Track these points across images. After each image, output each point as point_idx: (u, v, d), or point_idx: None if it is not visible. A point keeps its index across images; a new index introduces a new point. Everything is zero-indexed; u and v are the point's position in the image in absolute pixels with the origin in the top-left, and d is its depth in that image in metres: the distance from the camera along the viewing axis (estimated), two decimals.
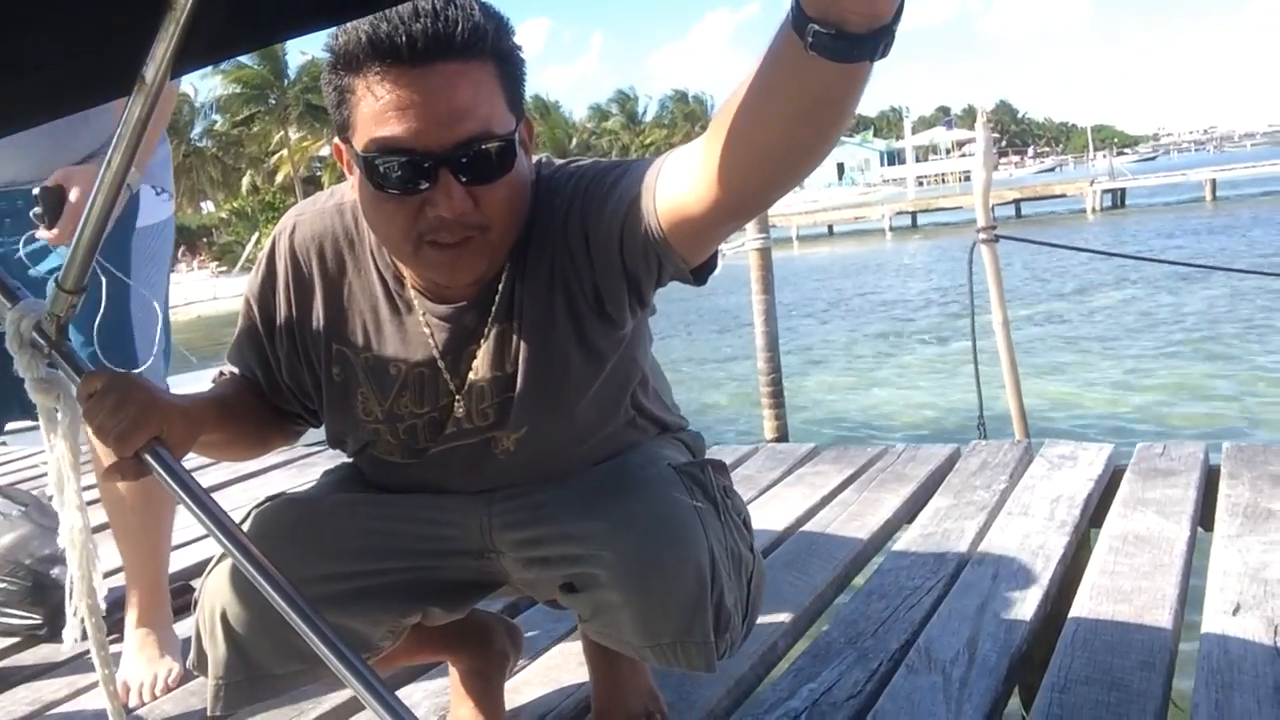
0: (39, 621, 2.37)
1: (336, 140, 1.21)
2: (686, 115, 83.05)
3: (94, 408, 1.17)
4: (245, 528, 1.35)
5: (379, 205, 1.16)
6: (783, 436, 5.98)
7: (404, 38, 1.06)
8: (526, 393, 1.28)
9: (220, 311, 31.83)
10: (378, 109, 1.10)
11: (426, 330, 1.29)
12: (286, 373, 1.38)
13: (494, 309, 1.26)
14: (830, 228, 40.26)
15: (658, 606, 1.21)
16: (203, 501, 1.15)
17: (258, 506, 1.39)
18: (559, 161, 1.30)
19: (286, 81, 53.35)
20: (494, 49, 1.12)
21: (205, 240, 59.22)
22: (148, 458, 1.17)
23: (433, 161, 1.10)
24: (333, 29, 1.11)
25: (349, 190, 1.29)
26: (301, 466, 3.92)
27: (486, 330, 1.27)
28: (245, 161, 54.57)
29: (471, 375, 1.29)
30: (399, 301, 1.31)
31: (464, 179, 1.12)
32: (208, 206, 62.10)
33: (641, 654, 1.29)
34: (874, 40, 0.81)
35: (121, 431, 1.15)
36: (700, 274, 1.19)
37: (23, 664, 2.26)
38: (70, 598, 1.30)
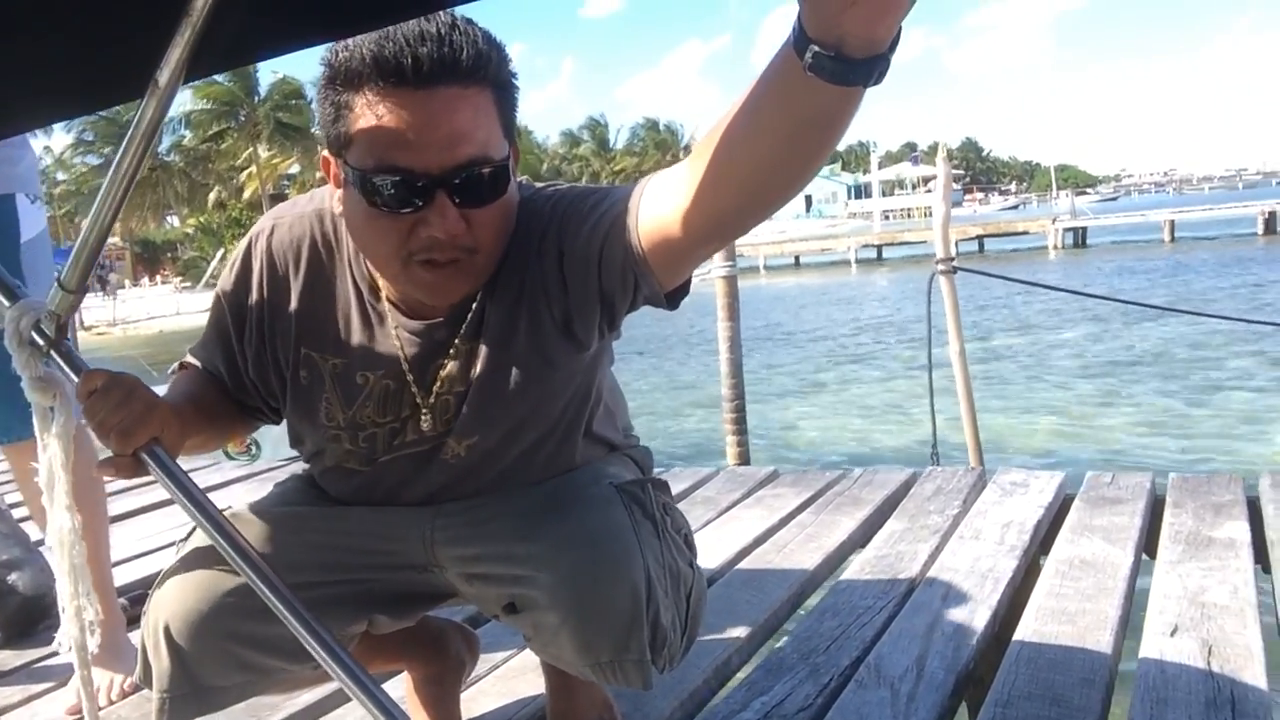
0: None
1: (325, 153, 1.22)
2: (658, 144, 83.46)
3: (96, 404, 1.18)
4: (189, 542, 1.36)
5: (371, 222, 1.17)
6: (745, 460, 6.04)
7: (409, 60, 1.08)
8: (479, 402, 1.30)
9: (183, 327, 31.46)
10: (378, 128, 1.11)
11: (397, 343, 1.31)
12: (253, 370, 1.39)
13: (464, 326, 1.29)
14: (797, 258, 40.64)
15: (594, 626, 1.23)
16: (198, 501, 1.17)
17: None
18: (538, 185, 1.33)
19: (257, 99, 53.09)
20: (494, 76, 1.14)
21: (169, 255, 58.68)
22: (145, 456, 1.18)
23: (429, 182, 1.12)
24: (332, 44, 1.13)
25: (328, 197, 1.31)
26: (263, 480, 3.91)
27: (456, 346, 1.30)
28: (213, 178, 54.13)
29: (437, 388, 1.31)
30: (372, 312, 1.32)
31: (458, 201, 1.14)
32: (172, 221, 61.56)
33: (582, 672, 1.30)
34: (870, 65, 0.85)
35: (124, 429, 1.17)
36: (674, 298, 1.22)
37: None
38: (61, 600, 1.29)
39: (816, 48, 0.84)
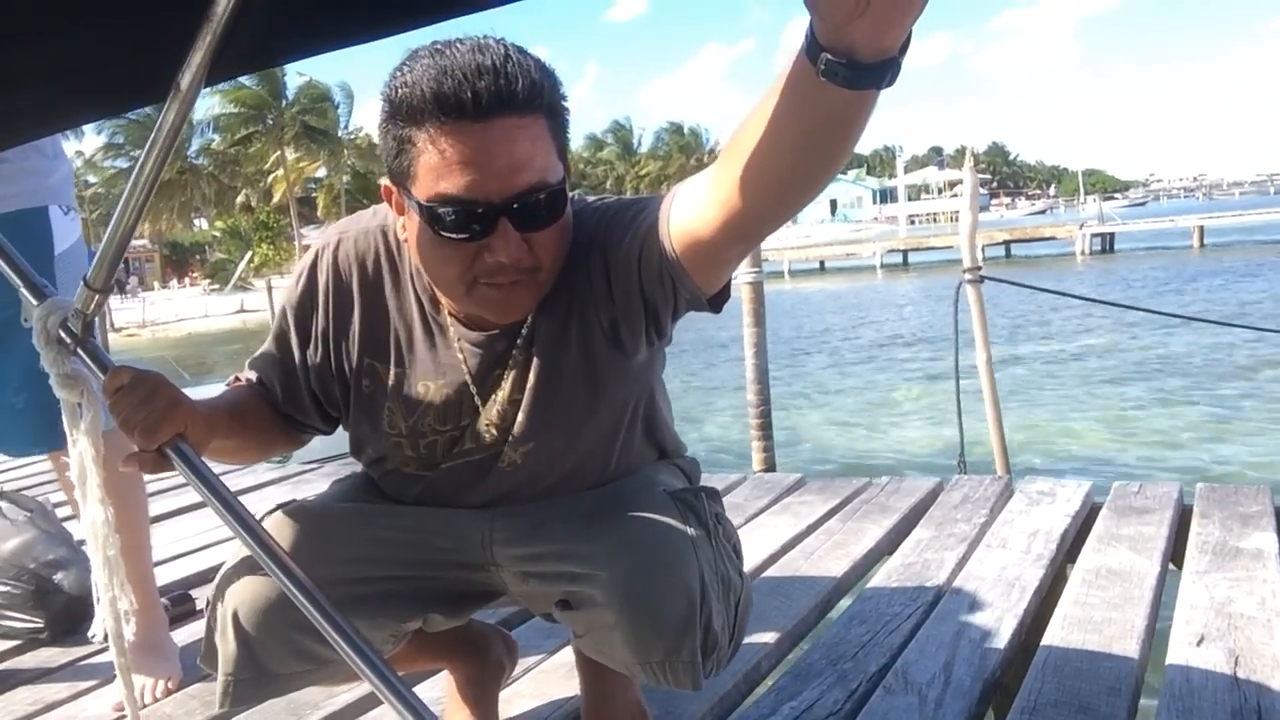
0: (40, 625, 2.42)
1: (387, 182, 1.27)
2: (681, 147, 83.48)
3: (121, 401, 1.22)
4: None
5: (436, 250, 1.22)
6: (770, 467, 6.05)
7: (469, 94, 1.12)
8: (535, 410, 1.36)
9: (211, 329, 31.83)
10: (440, 161, 1.15)
11: (460, 355, 1.36)
12: (315, 381, 1.44)
13: (520, 338, 1.34)
14: (822, 263, 40.56)
15: (649, 627, 1.27)
16: (225, 498, 1.20)
17: (269, 513, 1.45)
18: (589, 199, 1.38)
19: (284, 102, 53.55)
20: (548, 103, 1.18)
21: (197, 257, 59.23)
22: (170, 453, 1.22)
23: (492, 210, 1.16)
24: (391, 80, 1.18)
25: (391, 212, 1.36)
26: (296, 483, 3.98)
27: (514, 357, 1.35)
28: (241, 180, 54.65)
29: (496, 398, 1.37)
30: (434, 325, 1.38)
31: (519, 225, 1.18)
32: (200, 224, 62.17)
33: (632, 670, 1.35)
34: (881, 70, 0.88)
35: (148, 425, 1.21)
36: (716, 302, 1.26)
37: (23, 667, 2.31)
38: (96, 592, 1.35)
39: (829, 55, 0.87)
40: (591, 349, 1.33)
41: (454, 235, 1.19)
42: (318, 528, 1.42)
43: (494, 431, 1.38)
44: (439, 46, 1.17)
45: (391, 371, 1.40)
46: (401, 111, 1.17)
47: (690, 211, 1.15)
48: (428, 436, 1.40)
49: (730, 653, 1.38)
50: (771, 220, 1.12)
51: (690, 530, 1.31)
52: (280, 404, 1.48)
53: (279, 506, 1.47)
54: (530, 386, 1.35)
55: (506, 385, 1.36)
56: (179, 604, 2.55)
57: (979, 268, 3.76)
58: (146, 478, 2.13)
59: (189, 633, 2.43)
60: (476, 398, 1.37)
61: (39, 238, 1.99)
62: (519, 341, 1.34)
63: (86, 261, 2.16)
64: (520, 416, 1.36)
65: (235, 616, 1.34)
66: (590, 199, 1.37)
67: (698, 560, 1.28)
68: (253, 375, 1.49)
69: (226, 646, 1.36)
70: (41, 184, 2.02)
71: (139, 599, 2.17)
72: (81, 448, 1.30)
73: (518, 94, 1.14)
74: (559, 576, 1.35)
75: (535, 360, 1.34)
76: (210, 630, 1.39)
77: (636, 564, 1.27)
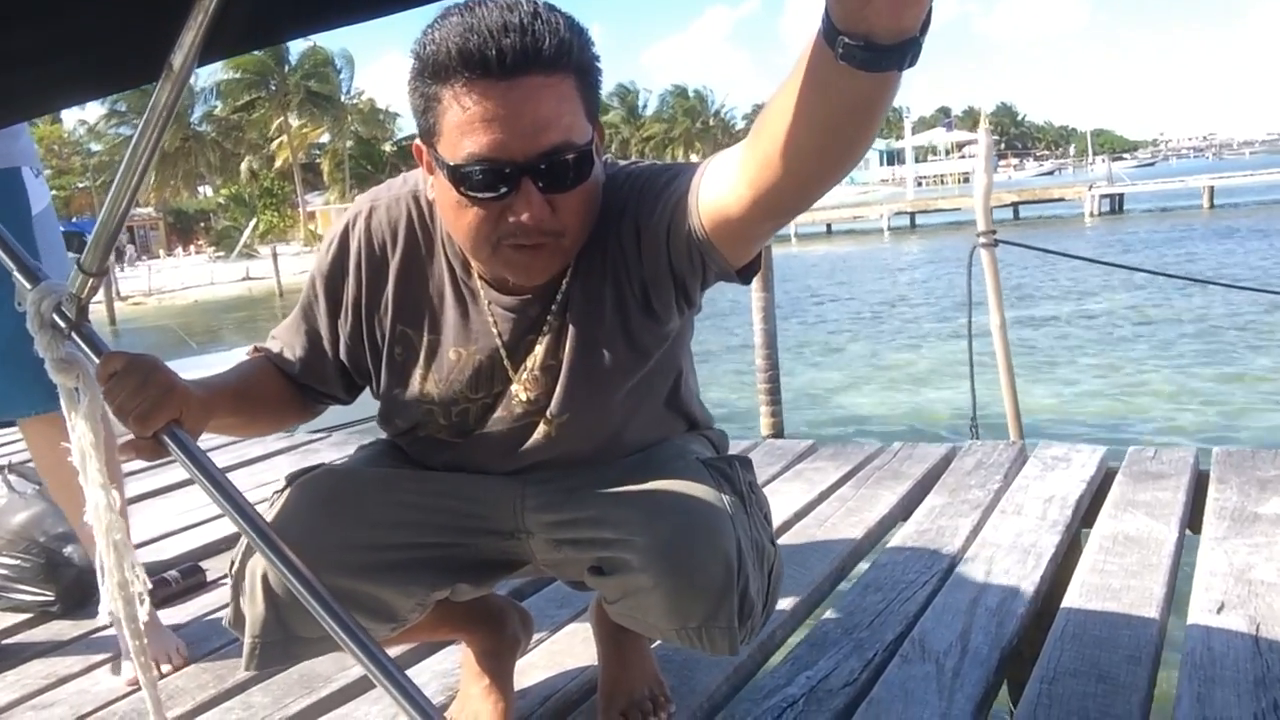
0: (51, 598, 2.42)
1: (418, 141, 1.25)
2: (686, 110, 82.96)
3: (115, 388, 1.20)
4: (285, 496, 1.40)
5: (461, 209, 1.20)
6: (779, 432, 6.04)
7: (494, 51, 1.10)
8: (571, 380, 1.34)
9: (217, 296, 31.86)
10: (464, 119, 1.14)
11: (491, 320, 1.35)
12: (345, 351, 1.43)
13: (555, 303, 1.33)
14: (829, 226, 40.34)
15: (687, 592, 1.27)
16: (219, 482, 1.19)
17: (296, 477, 1.43)
18: (621, 163, 1.36)
19: (287, 68, 53.28)
20: (576, 62, 1.16)
21: (202, 225, 59.19)
22: (166, 439, 1.21)
23: (515, 170, 1.15)
24: (420, 37, 1.15)
25: (421, 178, 1.35)
26: (305, 452, 3.97)
27: (548, 323, 1.34)
28: (245, 147, 54.50)
29: (529, 364, 1.36)
30: (465, 290, 1.36)
31: (543, 186, 1.17)
32: (205, 191, 62.07)
33: (666, 636, 1.35)
34: (901, 51, 0.85)
35: (142, 412, 1.20)
36: (746, 273, 1.25)
37: (35, 640, 2.31)
38: (101, 574, 1.33)
39: (846, 39, 0.84)
40: (626, 316, 1.32)
41: (477, 194, 1.17)
42: (348, 492, 1.41)
43: (528, 398, 1.37)
44: (470, 4, 1.15)
45: (425, 339, 1.38)
46: (428, 68, 1.15)
47: (720, 189, 1.13)
48: (460, 404, 1.39)
49: (763, 619, 1.39)
50: (802, 199, 1.10)
51: (726, 497, 1.31)
52: (299, 374, 1.47)
53: (307, 470, 1.45)
54: (567, 354, 1.34)
55: (540, 352, 1.35)
56: (189, 575, 2.54)
57: (994, 231, 3.71)
58: None
59: (201, 604, 2.43)
60: (508, 364, 1.36)
61: (14, 198, 1.97)
62: (554, 307, 1.33)
63: (58, 225, 2.14)
64: (557, 385, 1.35)
65: (264, 579, 1.34)
66: (622, 164, 1.35)
67: (734, 527, 1.28)
68: (274, 345, 1.48)
69: (255, 610, 1.35)
70: (13, 145, 2.00)
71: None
72: (80, 432, 1.28)
73: (544, 52, 1.12)
74: (593, 543, 1.34)
75: (571, 327, 1.33)
76: (237, 594, 1.39)
77: (675, 530, 1.26)
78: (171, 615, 2.36)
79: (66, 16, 0.92)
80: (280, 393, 1.48)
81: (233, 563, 1.41)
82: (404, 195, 1.40)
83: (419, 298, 1.38)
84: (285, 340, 1.48)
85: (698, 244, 1.19)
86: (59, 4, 0.90)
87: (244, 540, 1.37)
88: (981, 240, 3.72)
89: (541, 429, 1.38)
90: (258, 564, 1.34)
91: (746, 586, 1.29)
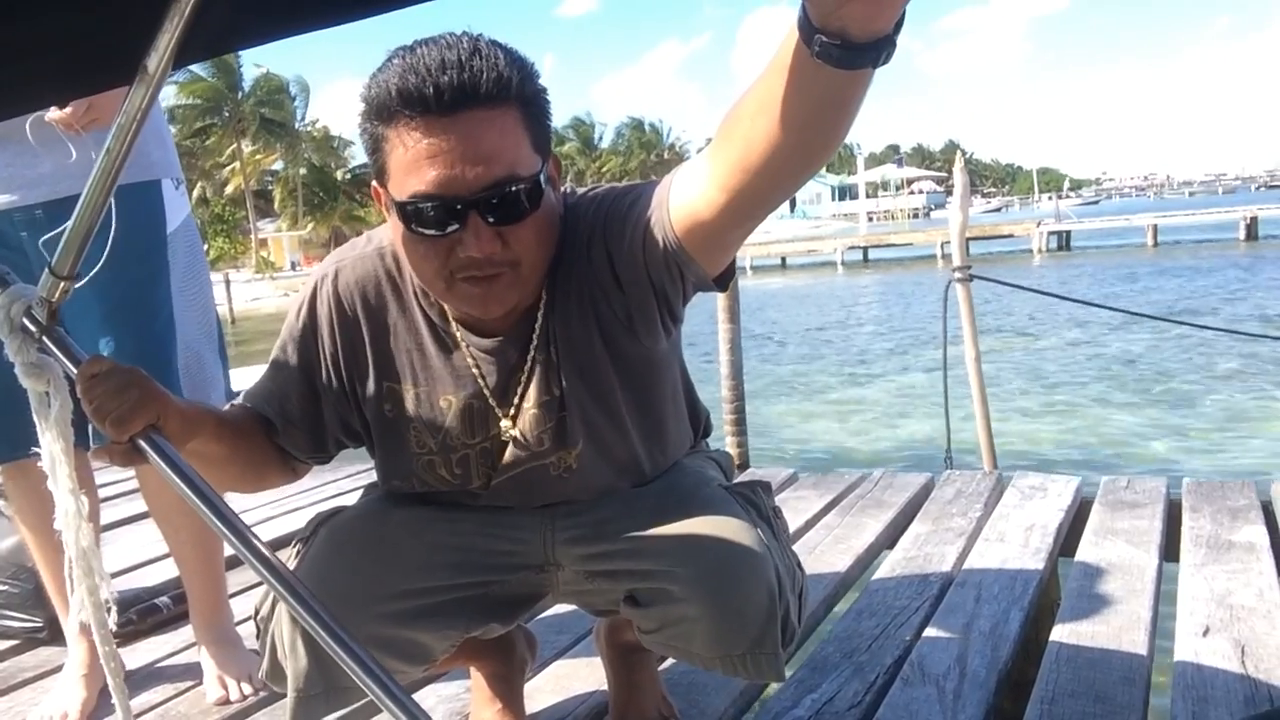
0: (39, 625, 2.38)
1: (374, 184, 1.26)
2: (643, 143, 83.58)
3: (93, 388, 1.16)
4: (315, 544, 1.39)
5: (413, 245, 1.21)
6: (745, 463, 6.08)
7: (432, 89, 1.11)
8: (576, 410, 1.35)
9: None
10: (409, 157, 1.15)
11: (472, 362, 1.35)
12: (332, 414, 1.41)
13: (534, 340, 1.33)
14: (783, 259, 40.72)
15: (735, 621, 1.29)
16: (200, 489, 1.12)
17: (323, 520, 1.43)
18: (581, 190, 1.37)
19: (241, 94, 52.90)
20: (518, 94, 1.16)
21: None
22: (143, 444, 1.16)
23: (461, 205, 1.15)
24: (367, 80, 1.17)
25: (386, 234, 1.35)
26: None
27: (529, 360, 1.34)
28: (197, 174, 53.84)
29: (524, 404, 1.35)
30: (444, 338, 1.36)
31: (491, 220, 1.17)
32: None
33: (709, 664, 1.36)
34: (875, 49, 0.88)
35: (120, 415, 1.15)
36: (721, 281, 1.28)
37: (23, 666, 2.28)
38: (70, 583, 1.25)
39: (823, 37, 0.87)
40: (614, 340, 1.33)
41: (426, 230, 1.18)
42: (381, 537, 1.40)
43: (534, 439, 1.36)
44: (412, 45, 1.16)
45: (410, 391, 1.38)
46: (373, 110, 1.17)
47: (690, 195, 1.16)
48: (458, 451, 1.38)
49: (797, 642, 1.41)
50: (773, 199, 1.13)
51: (759, 525, 1.34)
52: (280, 434, 1.42)
53: (331, 513, 1.45)
54: (565, 385, 1.34)
55: (532, 391, 1.34)
56: (180, 602, 2.50)
57: (969, 266, 3.81)
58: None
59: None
60: (495, 405, 1.36)
61: (152, 214, 1.90)
62: (535, 342, 1.33)
63: (201, 242, 2.07)
64: (567, 416, 1.35)
65: (304, 631, 1.32)
66: (584, 190, 1.36)
67: (770, 554, 1.31)
68: (250, 403, 1.43)
69: (297, 663, 1.34)
70: (154, 157, 1.92)
71: (215, 596, 2.13)
72: (49, 439, 1.22)
73: (482, 86, 1.13)
74: (629, 574, 1.36)
75: (559, 359, 1.33)
76: (273, 649, 1.38)
77: (718, 560, 1.29)
78: (164, 642, 2.34)
79: (36, 15, 0.89)
80: (263, 443, 1.42)
81: (257, 610, 1.40)
82: (369, 253, 1.39)
83: (399, 353, 1.37)
84: (255, 404, 1.43)
85: (674, 255, 1.21)
86: (28, 2, 0.86)
87: (269, 592, 1.35)
88: (957, 275, 3.82)
89: (561, 462, 1.38)
90: (286, 614, 1.33)
91: (787, 612, 1.33)
